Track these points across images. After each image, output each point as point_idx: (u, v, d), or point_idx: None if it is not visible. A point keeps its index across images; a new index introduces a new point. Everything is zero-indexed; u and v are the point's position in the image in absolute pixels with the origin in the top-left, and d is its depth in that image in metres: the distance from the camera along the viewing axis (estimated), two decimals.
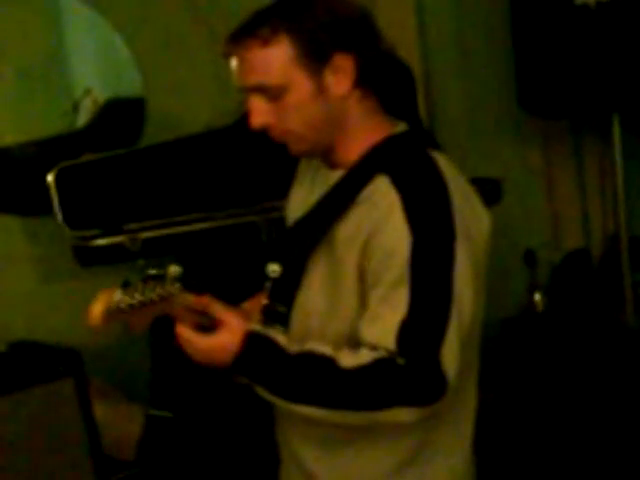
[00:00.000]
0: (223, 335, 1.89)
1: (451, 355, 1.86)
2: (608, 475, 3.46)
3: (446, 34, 4.21)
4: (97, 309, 1.74)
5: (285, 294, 2.07)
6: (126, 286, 1.75)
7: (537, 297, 4.04)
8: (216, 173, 3.52)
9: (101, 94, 3.79)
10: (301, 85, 1.94)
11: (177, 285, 1.82)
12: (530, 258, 3.99)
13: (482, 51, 4.20)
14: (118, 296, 1.74)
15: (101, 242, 3.30)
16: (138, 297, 1.76)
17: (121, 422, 3.42)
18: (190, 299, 1.87)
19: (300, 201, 2.19)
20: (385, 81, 2.07)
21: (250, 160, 3.45)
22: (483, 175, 3.23)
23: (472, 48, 4.22)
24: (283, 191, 2.47)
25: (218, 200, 3.48)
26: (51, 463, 3.12)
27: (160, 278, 1.80)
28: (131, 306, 1.75)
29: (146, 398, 3.54)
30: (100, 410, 3.25)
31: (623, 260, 3.96)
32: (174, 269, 1.86)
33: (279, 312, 2.05)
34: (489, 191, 3.33)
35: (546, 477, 3.49)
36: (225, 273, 3.51)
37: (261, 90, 1.96)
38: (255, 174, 3.48)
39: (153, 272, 1.81)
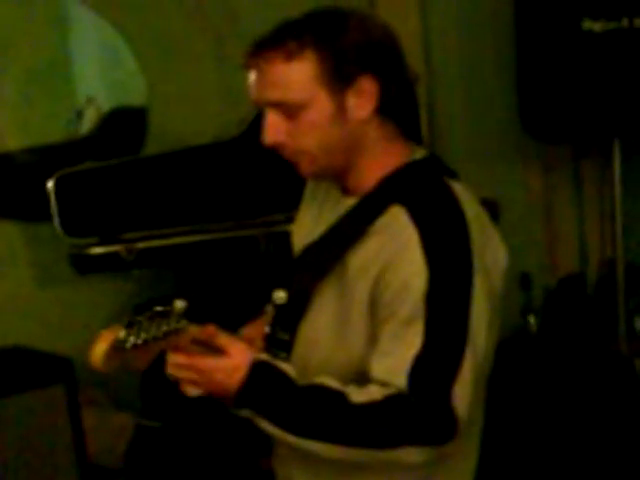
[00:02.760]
0: (230, 359, 1.81)
1: (463, 395, 1.81)
2: None
3: (451, 57, 4.19)
4: (100, 349, 1.66)
5: (289, 322, 2.00)
6: (131, 325, 1.67)
7: (531, 320, 3.99)
8: (216, 185, 3.49)
9: (105, 103, 3.77)
10: (321, 104, 1.87)
11: (183, 321, 1.75)
12: (525, 281, 3.93)
13: (486, 74, 4.17)
14: (122, 335, 1.66)
15: (97, 250, 3.28)
16: (143, 336, 1.69)
17: (110, 431, 3.37)
18: (195, 331, 1.79)
19: (309, 226, 2.13)
20: (406, 108, 2.02)
21: (250, 174, 3.43)
22: (482, 197, 3.22)
23: (477, 71, 4.20)
24: (284, 205, 2.43)
25: (217, 213, 3.46)
26: (38, 469, 3.08)
27: (166, 314, 1.73)
28: (135, 345, 1.67)
29: (136, 408, 3.51)
30: (89, 418, 3.21)
31: (619, 287, 3.93)
32: (180, 305, 1.74)
33: (282, 340, 1.99)
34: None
35: None
36: (222, 286, 3.48)
37: (279, 106, 1.89)
38: (255, 188, 3.46)
39: (159, 309, 1.72)
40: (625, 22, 3.54)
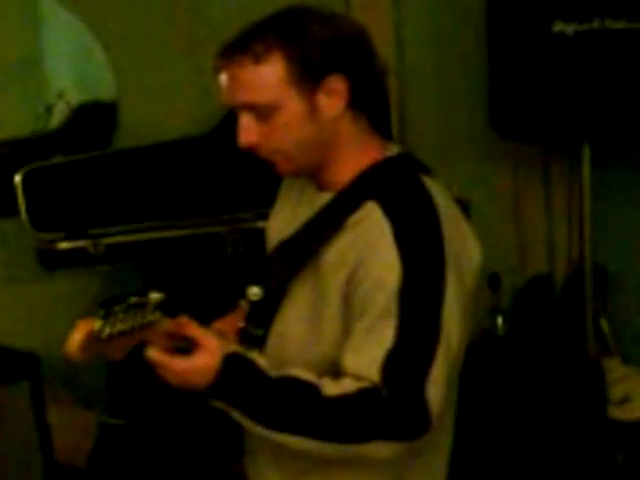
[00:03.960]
0: (201, 356, 1.80)
1: (436, 390, 1.80)
2: None
3: (423, 57, 4.19)
4: (76, 339, 1.67)
5: (263, 317, 2.01)
6: (107, 316, 1.68)
7: (499, 321, 4.01)
8: (184, 182, 3.48)
9: (75, 97, 3.74)
10: (292, 105, 1.88)
11: (158, 313, 1.76)
12: (494, 282, 3.92)
13: (458, 74, 4.18)
14: (98, 326, 1.67)
15: (64, 245, 3.27)
16: (119, 326, 1.70)
17: (75, 429, 3.35)
18: (169, 324, 1.80)
19: (284, 221, 2.13)
20: (377, 102, 2.02)
21: (219, 171, 3.43)
22: (453, 196, 3.25)
23: (448, 70, 4.21)
24: (252, 203, 2.41)
25: (184, 209, 3.45)
26: (2, 466, 3.07)
27: (141, 306, 1.74)
28: (111, 336, 1.68)
29: (101, 405, 3.48)
30: (54, 415, 3.18)
31: (587, 289, 3.94)
32: (155, 296, 1.75)
33: (255, 335, 1.99)
34: None
35: None
36: (190, 282, 3.47)
37: (251, 108, 1.90)
38: (223, 185, 3.45)
39: (134, 300, 1.72)
40: (596, 23, 3.55)
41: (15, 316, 3.49)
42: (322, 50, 1.85)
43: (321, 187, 2.00)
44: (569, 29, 3.54)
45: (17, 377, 3.10)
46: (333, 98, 1.88)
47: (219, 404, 1.82)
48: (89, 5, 3.62)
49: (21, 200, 3.21)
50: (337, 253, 1.89)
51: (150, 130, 3.65)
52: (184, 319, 1.82)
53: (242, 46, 1.85)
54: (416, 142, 3.94)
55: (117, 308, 1.70)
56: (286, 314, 1.98)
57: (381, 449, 1.80)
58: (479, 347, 3.84)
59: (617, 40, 3.52)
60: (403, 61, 4.11)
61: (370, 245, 1.83)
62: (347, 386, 1.79)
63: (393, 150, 2.00)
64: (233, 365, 1.80)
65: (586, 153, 3.82)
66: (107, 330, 1.67)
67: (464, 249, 1.91)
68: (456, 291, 1.83)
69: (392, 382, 1.77)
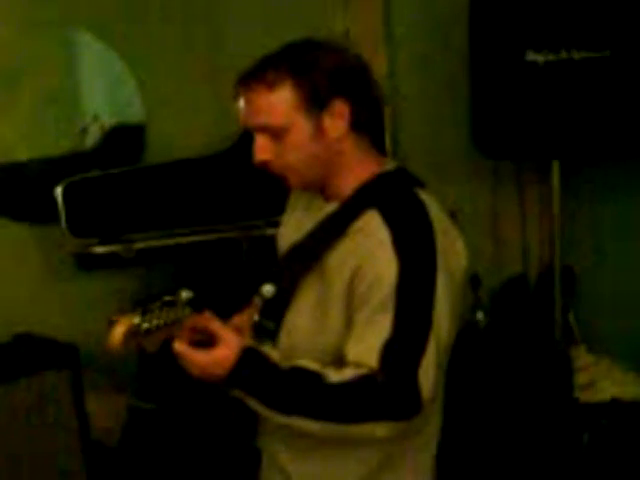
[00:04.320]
0: (221, 350, 1.81)
1: (427, 376, 1.81)
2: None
3: (414, 85, 4.18)
4: (118, 332, 1.69)
5: (275, 312, 2.00)
6: (144, 312, 1.72)
7: (479, 315, 3.94)
8: (204, 193, 3.48)
9: (107, 119, 3.75)
10: (301, 127, 1.89)
11: (188, 309, 1.79)
12: (475, 281, 3.90)
13: (443, 100, 4.15)
14: (137, 321, 1.70)
15: (99, 250, 3.28)
16: (155, 322, 1.73)
17: (109, 412, 3.34)
18: (196, 319, 1.82)
19: (293, 228, 2.12)
20: (376, 124, 2.03)
21: (234, 184, 3.42)
22: (442, 206, 3.27)
23: (435, 98, 4.19)
24: (263, 212, 2.42)
25: (205, 217, 3.44)
26: (45, 446, 3.06)
27: (173, 303, 1.78)
28: (148, 330, 1.71)
29: (132, 390, 3.49)
30: (91, 399, 3.18)
31: (556, 287, 3.92)
32: (185, 295, 1.79)
33: (268, 328, 1.98)
34: None
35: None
36: (210, 281, 3.46)
37: (265, 130, 1.91)
38: (238, 196, 3.44)
39: (167, 298, 1.76)
40: (564, 54, 3.52)
41: (56, 312, 3.48)
42: (327, 78, 1.86)
43: (326, 198, 2.01)
44: (540, 59, 3.52)
45: (58, 366, 3.08)
46: (337, 120, 1.89)
47: (236, 392, 1.84)
48: (120, 38, 3.63)
49: (61, 209, 3.23)
50: (341, 256, 1.89)
51: (174, 148, 3.67)
52: (206, 315, 1.84)
53: (257, 75, 1.86)
54: (408, 160, 3.93)
55: (153, 306, 1.73)
56: (295, 309, 1.98)
57: (377, 429, 1.80)
58: (462, 338, 3.85)
59: (581, 68, 3.49)
60: (395, 89, 4.10)
61: (371, 249, 1.83)
62: (348, 374, 1.79)
63: (390, 165, 2.00)
64: (248, 358, 1.81)
65: (555, 168, 3.80)
66: (145, 325, 1.70)
67: (453, 253, 1.91)
68: (446, 289, 1.83)
69: (388, 369, 1.77)
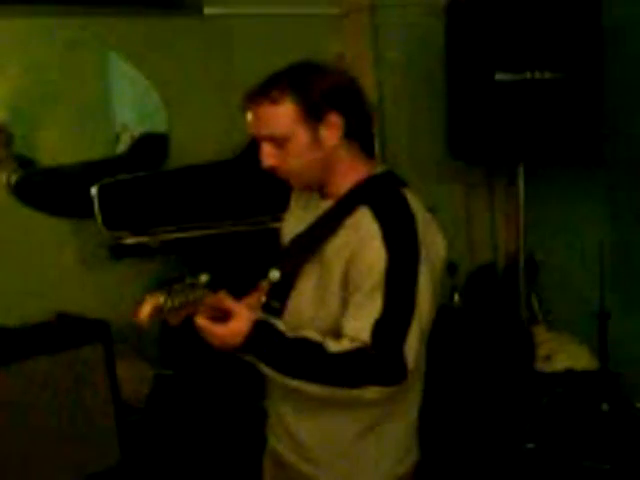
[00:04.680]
0: (236, 323, 1.80)
1: (411, 349, 1.82)
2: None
3: (398, 102, 4.19)
4: (146, 309, 1.68)
5: (281, 294, 2.00)
6: (169, 292, 1.70)
7: (456, 298, 3.97)
8: (218, 193, 3.47)
9: (136, 129, 3.74)
10: (301, 137, 1.88)
11: (206, 290, 1.77)
12: (451, 268, 3.91)
13: (424, 114, 4.17)
14: (162, 300, 1.69)
15: (129, 240, 3.26)
16: (177, 301, 1.71)
17: (135, 378, 3.34)
18: (212, 298, 1.80)
19: (295, 222, 2.11)
20: (367, 133, 2.02)
21: (244, 185, 3.41)
22: (424, 204, 3.26)
23: (416, 112, 4.20)
24: (269, 209, 2.42)
25: (219, 213, 3.42)
26: (83, 407, 3.06)
27: (194, 285, 1.75)
28: (172, 308, 1.70)
29: (156, 359, 3.51)
30: (121, 368, 3.19)
31: (520, 273, 3.94)
32: (204, 278, 1.76)
33: (275, 308, 1.98)
34: None
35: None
36: (224, 267, 3.45)
37: (270, 139, 1.90)
38: (247, 195, 3.43)
39: (189, 280, 1.74)
40: (528, 74, 3.54)
41: (91, 294, 3.46)
42: (323, 95, 1.86)
43: (324, 196, 2.01)
44: (507, 78, 3.54)
45: (93, 340, 3.09)
46: (332, 131, 1.89)
47: (249, 358, 1.84)
48: (146, 59, 3.60)
49: (96, 206, 3.21)
50: (337, 246, 1.89)
51: (192, 155, 3.65)
52: (222, 294, 1.82)
53: (263, 92, 1.86)
54: (394, 165, 3.95)
55: (176, 286, 1.72)
56: (298, 292, 1.98)
57: (368, 393, 1.82)
58: (441, 317, 3.87)
59: (540, 87, 3.52)
60: (382, 105, 4.11)
61: (363, 240, 1.84)
62: (345, 345, 1.81)
63: (379, 168, 2.00)
64: (259, 329, 1.81)
65: (520, 171, 3.82)
66: (169, 304, 1.69)
67: (433, 244, 1.91)
68: (427, 276, 1.84)
69: (378, 343, 1.79)
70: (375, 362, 1.80)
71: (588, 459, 3.31)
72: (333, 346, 1.81)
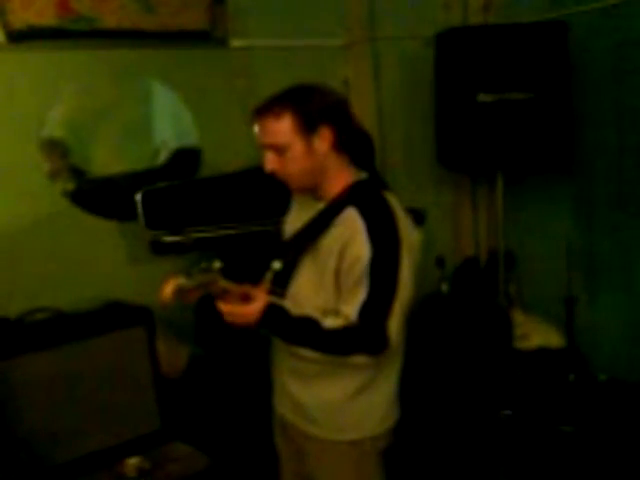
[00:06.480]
0: (254, 304, 1.86)
1: (394, 326, 1.87)
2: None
3: (395, 120, 4.18)
4: (168, 289, 1.73)
5: (283, 281, 2.03)
6: (188, 275, 1.75)
7: (444, 287, 3.96)
8: (241, 198, 3.44)
9: (172, 144, 3.72)
10: (297, 146, 1.90)
11: (219, 274, 1.80)
12: (440, 261, 3.91)
13: (417, 129, 4.15)
14: (182, 281, 1.73)
15: (167, 239, 3.22)
16: (194, 282, 1.75)
17: (172, 354, 3.33)
18: (226, 283, 1.83)
19: (294, 221, 2.14)
20: (354, 145, 2.03)
21: (260, 193, 3.36)
22: (414, 206, 3.23)
23: (411, 128, 4.19)
24: (277, 212, 2.39)
25: (239, 215, 3.39)
26: (128, 380, 3.05)
27: (208, 270, 1.79)
28: (189, 288, 1.74)
29: (190, 340, 3.49)
30: (161, 347, 3.18)
31: (500, 265, 3.93)
32: (217, 264, 1.80)
33: (278, 293, 2.01)
34: (417, 217, 3.27)
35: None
36: (244, 260, 3.43)
37: (272, 147, 1.94)
38: (262, 201, 3.39)
39: (204, 265, 1.78)
40: (506, 95, 3.53)
41: (136, 284, 3.44)
42: (317, 111, 1.90)
43: (318, 198, 2.03)
44: (488, 99, 3.52)
45: (137, 324, 3.08)
46: (323, 141, 1.92)
47: (264, 331, 1.93)
48: (180, 85, 3.60)
49: (140, 210, 3.19)
50: (329, 241, 1.94)
51: (220, 165, 3.63)
52: (246, 284, 1.89)
53: (267, 108, 1.91)
54: (392, 173, 3.93)
55: (193, 270, 1.77)
56: (298, 279, 2.02)
57: (358, 359, 1.90)
58: (431, 303, 3.84)
59: (515, 106, 3.51)
60: (381, 121, 4.10)
61: (351, 236, 1.87)
62: (338, 322, 1.88)
63: (364, 175, 2.03)
64: (272, 309, 1.89)
65: (499, 178, 3.82)
66: (188, 284, 1.74)
67: (410, 237, 1.94)
68: (407, 264, 1.88)
69: (366, 320, 1.85)
70: (361, 336, 1.86)
71: (557, 423, 3.30)
72: (328, 323, 1.88)
